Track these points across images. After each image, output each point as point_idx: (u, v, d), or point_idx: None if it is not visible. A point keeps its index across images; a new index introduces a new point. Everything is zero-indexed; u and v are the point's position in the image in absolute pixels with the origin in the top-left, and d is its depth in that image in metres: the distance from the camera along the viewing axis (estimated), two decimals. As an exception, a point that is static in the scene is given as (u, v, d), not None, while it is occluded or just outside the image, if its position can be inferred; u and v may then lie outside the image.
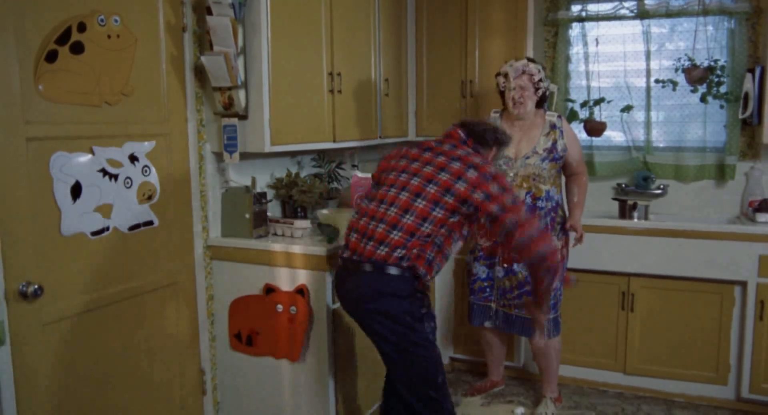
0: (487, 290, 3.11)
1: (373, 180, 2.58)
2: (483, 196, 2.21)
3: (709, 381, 3.31)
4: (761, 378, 3.16)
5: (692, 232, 3.21)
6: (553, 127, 2.99)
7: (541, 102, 3.05)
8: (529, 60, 3.04)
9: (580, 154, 3.07)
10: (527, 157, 2.96)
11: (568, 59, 3.87)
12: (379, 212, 2.32)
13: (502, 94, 3.07)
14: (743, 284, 3.18)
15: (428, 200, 2.25)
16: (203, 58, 2.58)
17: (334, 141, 3.11)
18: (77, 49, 2.18)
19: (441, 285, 3.72)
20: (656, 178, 3.73)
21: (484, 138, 2.46)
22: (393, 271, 2.25)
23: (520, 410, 3.22)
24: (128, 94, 2.40)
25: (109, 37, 2.29)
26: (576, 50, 3.86)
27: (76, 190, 2.20)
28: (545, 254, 2.22)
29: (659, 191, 3.71)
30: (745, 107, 3.36)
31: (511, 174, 2.97)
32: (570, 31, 3.85)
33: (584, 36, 3.81)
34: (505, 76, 3.01)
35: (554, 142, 2.97)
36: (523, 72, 2.96)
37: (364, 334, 2.44)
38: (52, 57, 2.10)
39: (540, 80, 2.98)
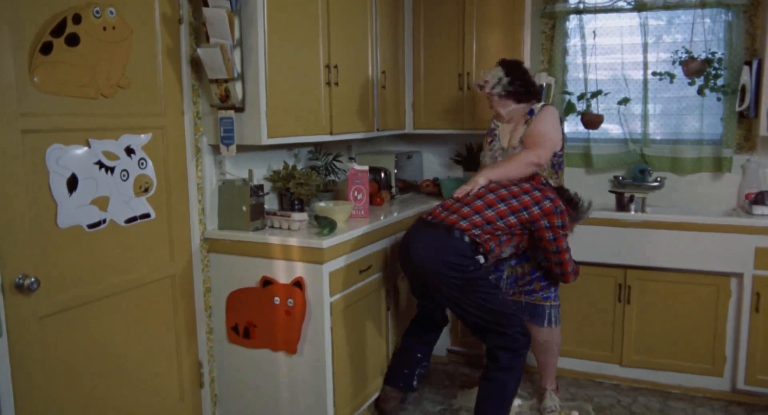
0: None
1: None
2: (547, 224, 2.73)
3: (704, 373, 3.32)
4: (757, 369, 3.18)
5: (689, 224, 3.22)
6: (531, 115, 3.03)
7: (531, 95, 3.06)
8: (499, 64, 3.06)
9: (538, 133, 2.95)
10: (514, 148, 3.02)
11: (565, 52, 3.86)
12: (467, 200, 2.77)
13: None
14: (739, 276, 3.19)
15: (508, 207, 2.72)
16: (199, 51, 2.56)
17: (331, 134, 3.11)
18: (72, 41, 2.17)
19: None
20: (653, 171, 3.74)
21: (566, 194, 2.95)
22: (464, 237, 2.63)
23: (517, 401, 3.24)
24: (124, 86, 2.39)
25: (104, 29, 2.28)
26: (573, 42, 3.86)
27: (73, 183, 2.19)
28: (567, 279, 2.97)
29: (656, 184, 3.72)
30: (742, 100, 3.37)
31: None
32: (567, 23, 3.84)
33: (582, 28, 3.80)
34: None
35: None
36: (480, 87, 3.08)
37: (421, 288, 2.89)
38: (47, 49, 2.08)
39: (494, 86, 3.00)
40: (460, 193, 2.83)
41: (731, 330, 3.25)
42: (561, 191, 2.93)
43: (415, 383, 3.08)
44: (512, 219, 2.71)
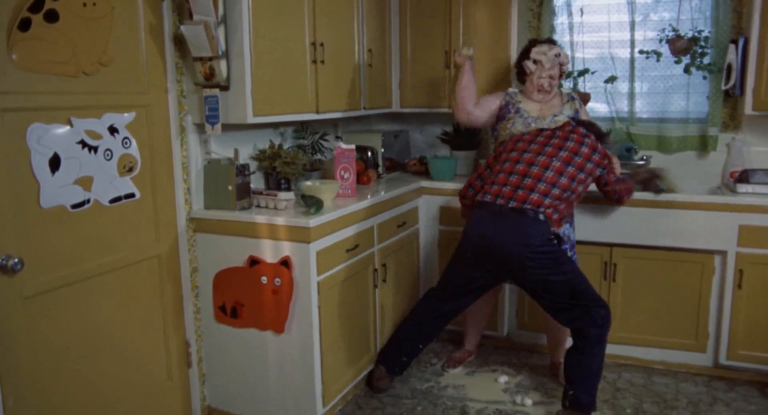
0: None
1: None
2: (606, 164, 2.89)
3: (688, 349, 3.37)
4: (738, 345, 3.23)
5: (674, 202, 3.24)
6: (571, 98, 3.22)
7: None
8: (551, 42, 3.19)
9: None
10: (555, 115, 3.14)
11: (552, 29, 3.84)
12: (525, 170, 2.82)
13: (523, 73, 3.21)
14: (723, 254, 3.22)
15: (576, 167, 2.81)
16: (183, 28, 2.52)
17: (318, 112, 3.09)
18: (51, 17, 2.12)
19: (425, 257, 3.75)
20: (639, 149, 3.75)
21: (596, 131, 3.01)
22: (539, 216, 2.71)
23: (503, 378, 3.27)
24: (106, 64, 2.35)
25: (84, 5, 2.23)
26: (561, 20, 3.84)
27: (55, 163, 2.16)
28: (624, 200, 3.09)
29: (642, 162, 3.72)
30: (728, 78, 3.37)
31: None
32: (555, 0, 3.81)
33: (569, 6, 3.78)
34: (537, 63, 3.12)
35: (576, 112, 3.18)
36: (558, 63, 3.12)
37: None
38: (25, 25, 2.04)
39: (568, 65, 3.20)
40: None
41: (714, 307, 3.30)
42: (591, 127, 2.98)
43: (407, 369, 3.24)
44: (581, 175, 2.80)
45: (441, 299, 3.03)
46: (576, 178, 2.78)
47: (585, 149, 2.84)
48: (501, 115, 3.21)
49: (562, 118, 3.13)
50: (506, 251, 2.71)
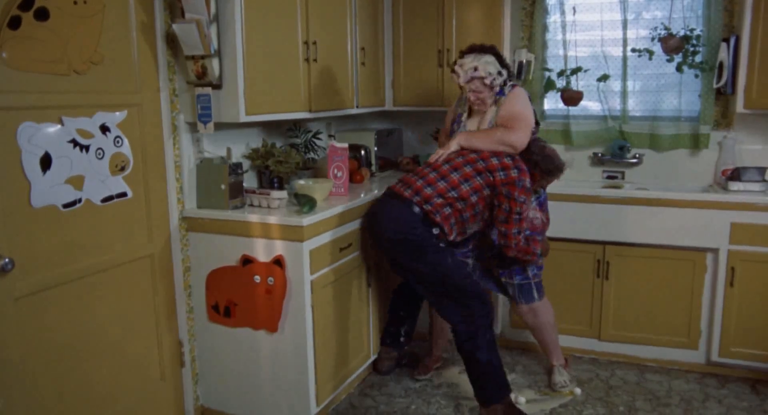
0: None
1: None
2: (506, 193, 2.72)
3: (680, 346, 3.39)
4: (730, 342, 3.25)
5: (666, 200, 3.25)
6: (500, 94, 2.92)
7: (512, 74, 3.04)
8: (481, 50, 2.88)
9: (514, 115, 2.84)
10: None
11: (545, 28, 3.85)
12: (423, 172, 2.84)
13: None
14: (715, 251, 3.24)
15: (473, 169, 2.76)
16: (175, 26, 2.51)
17: (311, 111, 3.08)
18: (42, 15, 2.11)
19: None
20: (632, 148, 3.76)
21: (536, 164, 2.87)
22: (413, 208, 2.73)
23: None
24: (97, 62, 2.34)
25: (75, 2, 2.22)
26: (553, 19, 3.84)
27: (46, 162, 2.15)
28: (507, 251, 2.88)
29: (635, 160, 3.75)
30: (720, 76, 3.39)
31: None
32: (547, -1, 3.82)
33: (561, 4, 3.79)
34: (454, 75, 2.91)
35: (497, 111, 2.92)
36: (472, 79, 2.85)
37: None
38: (15, 23, 2.02)
39: (494, 77, 2.84)
40: (432, 158, 2.89)
41: (706, 304, 3.31)
42: (529, 154, 2.85)
43: (402, 339, 3.33)
44: (478, 181, 2.73)
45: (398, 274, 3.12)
46: (479, 191, 2.74)
47: (496, 163, 2.75)
48: (452, 130, 3.09)
49: None
50: (376, 230, 2.86)
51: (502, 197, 2.73)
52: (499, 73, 2.86)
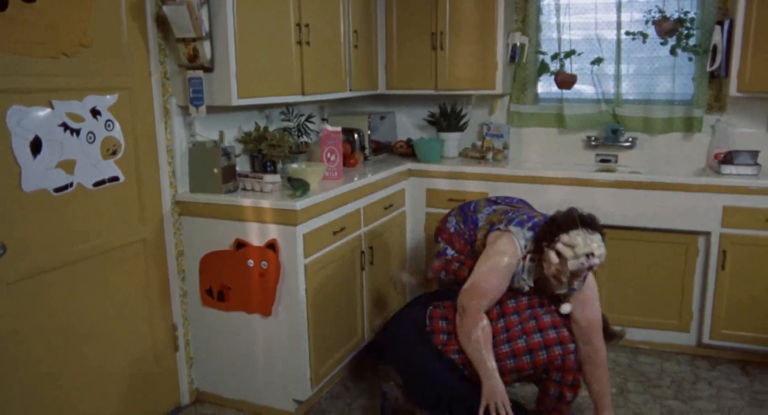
0: None
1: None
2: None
3: (672, 329, 3.41)
4: (721, 324, 3.28)
5: (658, 184, 3.26)
6: (491, 230, 2.47)
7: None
8: (592, 226, 2.25)
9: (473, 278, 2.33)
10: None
11: (539, 11, 3.83)
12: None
13: (540, 264, 2.29)
14: (707, 235, 3.25)
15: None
16: (165, 8, 2.48)
17: (304, 94, 3.06)
18: (30, -4, 2.08)
19: (412, 239, 3.74)
20: (625, 131, 3.76)
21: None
22: None
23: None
24: (87, 45, 2.31)
25: (64, -16, 2.19)
26: (547, 1, 3.81)
27: (36, 146, 2.13)
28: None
29: (628, 144, 3.74)
30: (714, 60, 3.38)
31: None
32: (542, -19, 3.79)
33: (556, -14, 3.76)
34: (562, 259, 2.19)
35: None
36: (588, 266, 2.17)
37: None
38: (2, 5, 1.99)
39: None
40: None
41: (698, 287, 3.33)
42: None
43: None
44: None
45: None
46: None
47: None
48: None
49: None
50: None
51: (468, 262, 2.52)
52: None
